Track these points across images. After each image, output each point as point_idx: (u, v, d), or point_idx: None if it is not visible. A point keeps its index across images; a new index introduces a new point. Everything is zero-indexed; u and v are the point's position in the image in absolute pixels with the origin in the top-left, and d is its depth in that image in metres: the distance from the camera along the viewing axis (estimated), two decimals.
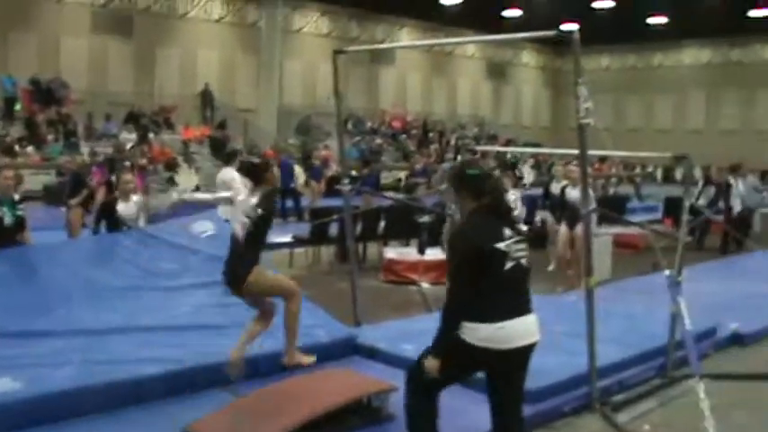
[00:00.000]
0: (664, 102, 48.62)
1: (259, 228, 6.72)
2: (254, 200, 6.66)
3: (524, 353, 4.90)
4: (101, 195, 13.68)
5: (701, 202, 18.74)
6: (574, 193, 12.39)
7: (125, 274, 9.20)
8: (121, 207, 10.79)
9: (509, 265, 4.83)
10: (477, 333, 4.72)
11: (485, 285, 4.76)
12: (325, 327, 8.41)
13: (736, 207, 17.90)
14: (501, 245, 4.81)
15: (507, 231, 4.87)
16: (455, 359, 4.83)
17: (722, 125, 46.02)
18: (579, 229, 12.35)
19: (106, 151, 25.57)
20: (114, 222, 10.73)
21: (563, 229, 12.85)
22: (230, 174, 12.43)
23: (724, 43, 46.33)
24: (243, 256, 6.60)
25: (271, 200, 7.03)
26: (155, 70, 32.54)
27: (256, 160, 7.49)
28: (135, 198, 11.07)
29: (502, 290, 4.82)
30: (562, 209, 13.15)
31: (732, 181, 17.85)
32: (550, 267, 14.13)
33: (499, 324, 4.73)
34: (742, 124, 45.47)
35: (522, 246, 4.94)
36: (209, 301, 8.69)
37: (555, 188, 12.93)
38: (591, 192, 12.15)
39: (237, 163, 7.51)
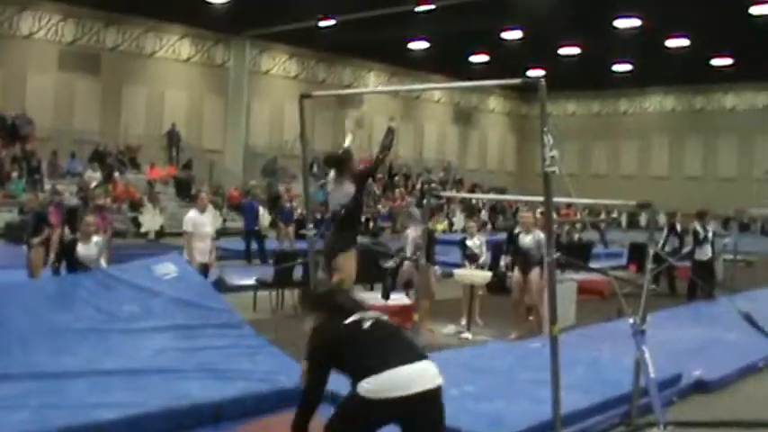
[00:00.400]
0: (629, 148, 48.99)
1: (351, 213, 7.98)
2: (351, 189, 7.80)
3: (426, 400, 4.76)
4: (56, 236, 13.54)
5: (668, 248, 18.82)
6: (526, 240, 12.52)
7: (85, 316, 9.06)
8: (82, 248, 10.66)
9: (367, 323, 4.95)
10: (369, 386, 4.67)
11: (359, 349, 4.88)
12: (288, 372, 8.31)
13: (707, 253, 17.69)
14: (349, 320, 4.97)
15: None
16: (357, 419, 4.83)
17: (686, 172, 46.42)
18: (533, 274, 12.42)
19: (71, 189, 25.49)
20: (74, 263, 10.61)
21: (516, 274, 12.88)
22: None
23: (687, 91, 46.87)
24: (339, 236, 7.97)
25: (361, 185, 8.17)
26: (121, 109, 32.34)
27: (339, 152, 8.28)
28: (95, 239, 10.95)
29: (377, 345, 4.89)
30: (515, 254, 13.21)
31: (699, 227, 17.69)
32: (512, 336, 14.07)
33: (387, 373, 4.69)
34: (705, 171, 45.90)
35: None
36: (171, 345, 8.58)
37: (522, 238, 12.93)
38: (540, 236, 12.36)
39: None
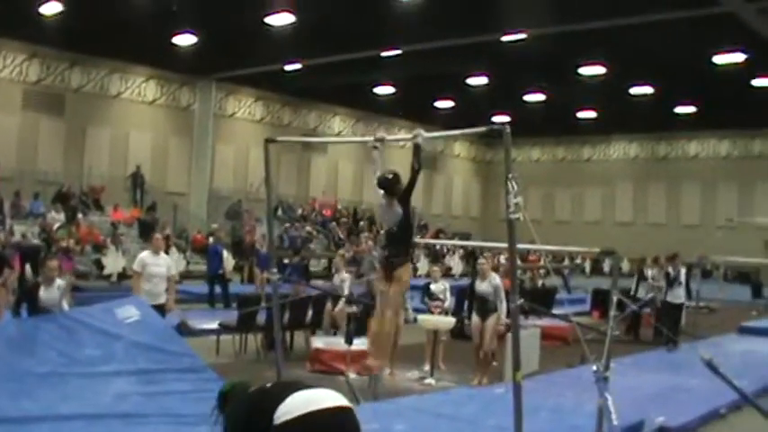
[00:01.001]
0: (593, 194, 49.28)
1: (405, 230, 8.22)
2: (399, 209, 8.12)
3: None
4: (13, 278, 13.40)
5: (641, 293, 18.93)
6: (483, 286, 12.57)
7: (47, 359, 8.97)
8: (44, 292, 10.53)
9: None
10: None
11: None
12: None
13: (679, 296, 17.61)
14: None
15: None
16: None
17: (650, 218, 46.74)
18: (490, 320, 12.44)
19: (33, 230, 25.29)
20: (35, 307, 10.46)
21: (475, 320, 12.88)
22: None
23: (651, 138, 47.32)
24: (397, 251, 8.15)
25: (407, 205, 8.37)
26: (85, 150, 32.10)
27: (389, 175, 8.60)
28: (58, 282, 10.83)
29: None
30: (471, 300, 13.22)
31: (670, 270, 17.65)
32: (474, 382, 13.99)
33: None
34: (668, 218, 46.23)
35: None
36: (133, 390, 8.50)
37: (479, 284, 12.95)
38: (496, 281, 12.41)
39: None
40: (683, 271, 17.92)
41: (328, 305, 14.59)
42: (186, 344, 10.51)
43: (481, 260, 13.56)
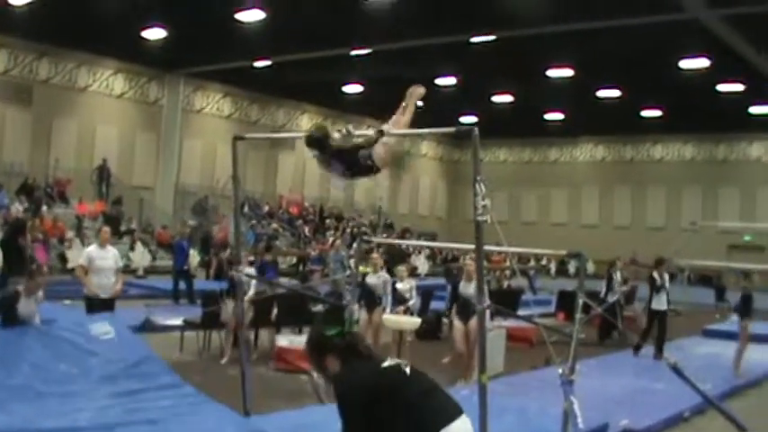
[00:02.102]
0: (559, 196, 49.48)
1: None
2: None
3: None
4: None
5: (610, 298, 18.95)
6: (469, 288, 12.49)
7: (19, 372, 8.88)
8: (23, 304, 10.31)
9: (407, 370, 4.56)
10: None
11: (405, 401, 4.39)
12: (236, 427, 8.22)
13: (664, 303, 16.71)
14: (386, 363, 4.58)
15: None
16: None
17: (615, 221, 46.98)
18: (473, 323, 12.39)
19: None
20: (12, 318, 10.26)
21: (457, 323, 12.86)
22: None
23: (617, 141, 47.62)
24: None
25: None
26: (52, 142, 31.84)
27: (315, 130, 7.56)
28: (41, 294, 10.66)
29: (423, 399, 4.45)
30: (452, 302, 13.22)
31: (656, 275, 16.87)
32: (445, 359, 14.07)
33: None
34: (634, 220, 46.51)
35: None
36: (111, 406, 8.44)
37: (463, 286, 12.93)
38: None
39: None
40: (667, 277, 17.23)
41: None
42: (164, 364, 10.44)
43: (469, 261, 13.52)
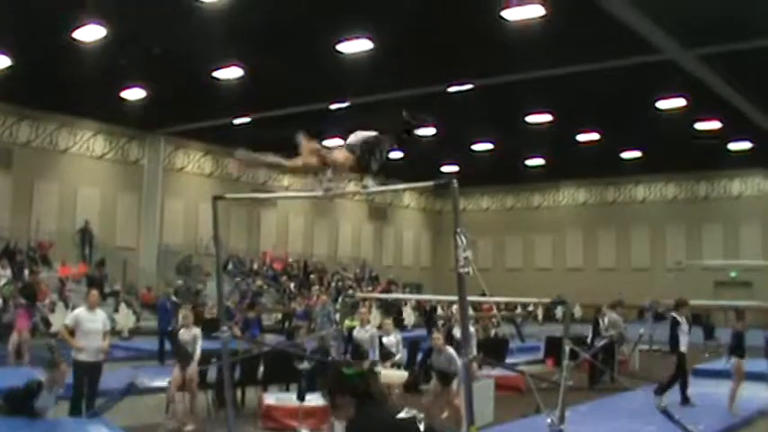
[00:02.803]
0: (543, 241, 49.56)
1: None
2: None
3: None
4: None
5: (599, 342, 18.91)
6: (440, 360, 12.55)
7: None
8: (43, 397, 10.14)
9: (422, 426, 4.47)
10: None
11: None
12: None
13: (683, 346, 16.02)
14: (402, 414, 4.48)
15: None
16: None
17: (600, 263, 47.06)
18: (453, 385, 12.31)
19: None
20: (27, 411, 10.05)
21: (434, 382, 12.85)
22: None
23: (599, 184, 47.83)
24: None
25: None
26: (33, 205, 31.72)
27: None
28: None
29: None
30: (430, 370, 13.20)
31: (678, 317, 16.20)
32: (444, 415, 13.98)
33: None
34: (618, 262, 46.58)
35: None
36: None
37: (435, 359, 12.92)
38: (451, 354, 12.31)
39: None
40: (683, 321, 16.28)
41: None
42: None
43: (436, 335, 13.54)
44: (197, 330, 13.94)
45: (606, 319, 20.00)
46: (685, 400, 15.44)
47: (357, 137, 7.36)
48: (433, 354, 12.96)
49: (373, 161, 7.42)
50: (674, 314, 16.43)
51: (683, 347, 15.91)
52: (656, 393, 15.50)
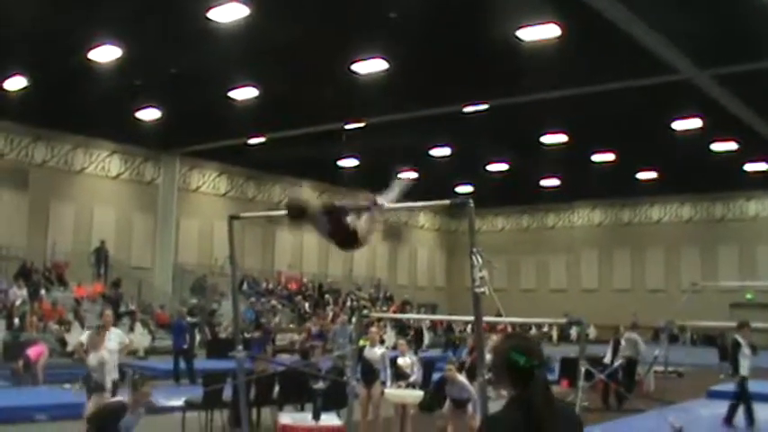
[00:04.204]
0: (558, 262, 49.51)
1: None
2: None
3: None
4: None
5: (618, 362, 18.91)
6: (453, 390, 12.46)
7: None
8: (126, 420, 10.04)
9: None
10: None
11: None
12: None
13: (745, 369, 15.05)
14: None
15: None
16: None
17: (615, 284, 46.98)
18: (468, 410, 12.24)
19: None
20: None
21: (449, 404, 12.79)
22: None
23: (614, 204, 47.82)
24: None
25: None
26: (49, 225, 31.87)
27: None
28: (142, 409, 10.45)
29: None
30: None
31: (740, 340, 15.25)
32: None
33: None
34: (633, 283, 46.50)
35: None
36: None
37: (449, 388, 12.86)
38: (463, 382, 12.23)
39: None
40: (744, 343, 15.30)
41: None
42: None
43: (448, 365, 13.46)
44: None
45: (623, 341, 19.97)
46: (750, 421, 14.88)
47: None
48: (446, 385, 12.88)
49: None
50: (736, 336, 15.56)
51: (744, 371, 15.16)
52: (726, 423, 15.15)
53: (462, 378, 12.53)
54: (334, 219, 7.00)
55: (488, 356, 4.40)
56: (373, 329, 14.76)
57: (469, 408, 12.22)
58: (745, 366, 15.05)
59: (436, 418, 13.27)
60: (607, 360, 19.64)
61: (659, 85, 22.74)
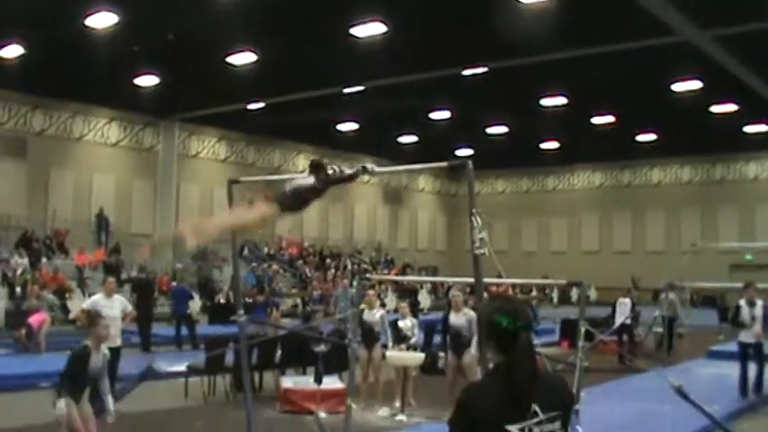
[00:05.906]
0: (558, 224, 49.51)
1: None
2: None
3: None
4: None
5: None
6: (457, 320, 12.47)
7: None
8: (93, 359, 9.99)
9: None
10: None
11: None
12: None
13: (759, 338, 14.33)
14: (514, 427, 3.31)
15: (535, 407, 3.35)
16: None
17: (615, 246, 47.01)
18: (467, 358, 12.28)
19: None
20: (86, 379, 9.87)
21: (450, 357, 12.82)
22: None
23: (614, 167, 47.73)
24: None
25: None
26: (49, 193, 31.83)
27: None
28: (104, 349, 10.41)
29: None
30: (444, 335, 13.16)
31: (744, 304, 14.66)
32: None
33: None
34: (634, 245, 46.53)
35: (556, 427, 3.42)
36: None
37: (453, 318, 12.87)
38: (471, 314, 12.25)
39: None
40: (760, 304, 14.51)
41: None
42: None
43: (454, 292, 13.52)
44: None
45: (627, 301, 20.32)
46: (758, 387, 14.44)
47: (290, 185, 7.44)
48: (451, 313, 12.90)
49: (302, 206, 7.57)
50: (741, 301, 14.87)
51: (742, 336, 14.67)
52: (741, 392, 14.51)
53: (470, 310, 12.51)
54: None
55: None
56: (371, 292, 14.81)
57: (467, 359, 12.24)
58: (746, 332, 14.58)
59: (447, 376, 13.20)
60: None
61: (659, 46, 22.65)
